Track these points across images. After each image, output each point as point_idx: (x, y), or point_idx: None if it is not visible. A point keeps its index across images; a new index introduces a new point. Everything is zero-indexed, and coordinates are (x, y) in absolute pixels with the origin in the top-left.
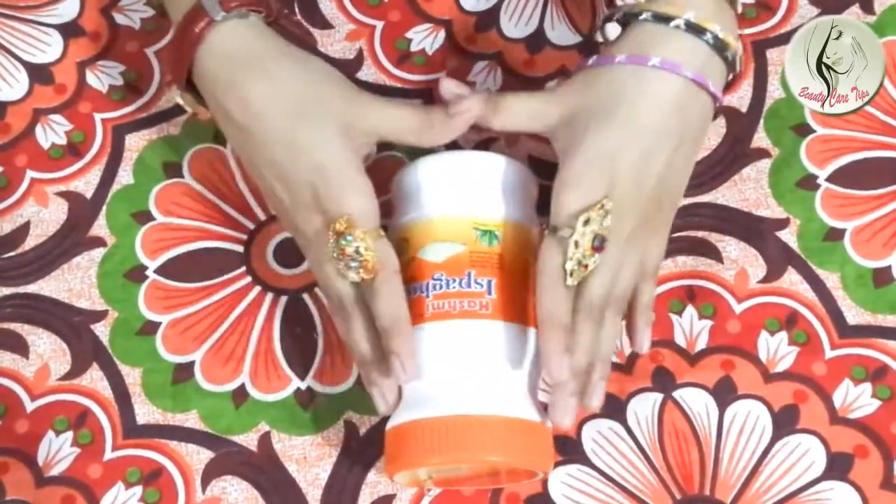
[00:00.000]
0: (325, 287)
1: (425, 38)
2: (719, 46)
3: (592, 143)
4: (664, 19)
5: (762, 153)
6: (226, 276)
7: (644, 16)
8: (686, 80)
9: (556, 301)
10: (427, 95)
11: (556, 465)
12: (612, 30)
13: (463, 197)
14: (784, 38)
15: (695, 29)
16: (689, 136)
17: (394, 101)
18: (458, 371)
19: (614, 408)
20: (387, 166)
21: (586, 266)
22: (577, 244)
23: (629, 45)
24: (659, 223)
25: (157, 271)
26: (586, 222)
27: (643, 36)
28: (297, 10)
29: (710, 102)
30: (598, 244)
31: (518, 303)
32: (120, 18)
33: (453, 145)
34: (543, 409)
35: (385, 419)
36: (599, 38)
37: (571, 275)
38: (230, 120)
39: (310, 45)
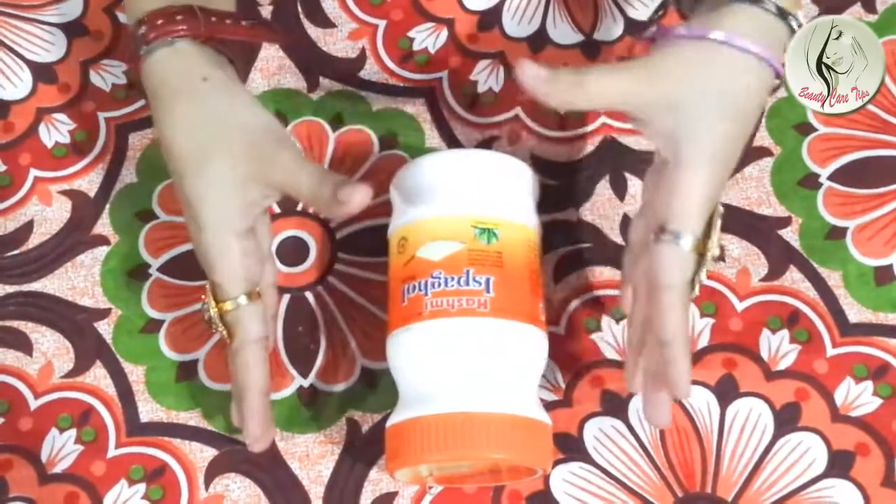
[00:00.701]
0: None
1: (428, 37)
2: (792, 31)
3: (712, 139)
4: (785, 15)
5: (764, 152)
6: None
7: (767, 4)
8: (771, 71)
9: (685, 319)
10: (429, 95)
11: (559, 462)
12: None
13: (462, 195)
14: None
15: (783, 14)
16: (757, 122)
17: (299, 159)
18: (456, 369)
19: (616, 406)
20: (387, 165)
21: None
22: (706, 259)
23: (754, 29)
24: None
25: (161, 270)
26: (713, 232)
27: (763, 24)
28: (299, 10)
29: (773, 85)
30: (717, 253)
31: (517, 301)
32: (123, 17)
33: (455, 144)
34: (543, 406)
35: (388, 417)
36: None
37: (695, 287)
38: (161, 143)
39: (259, 40)
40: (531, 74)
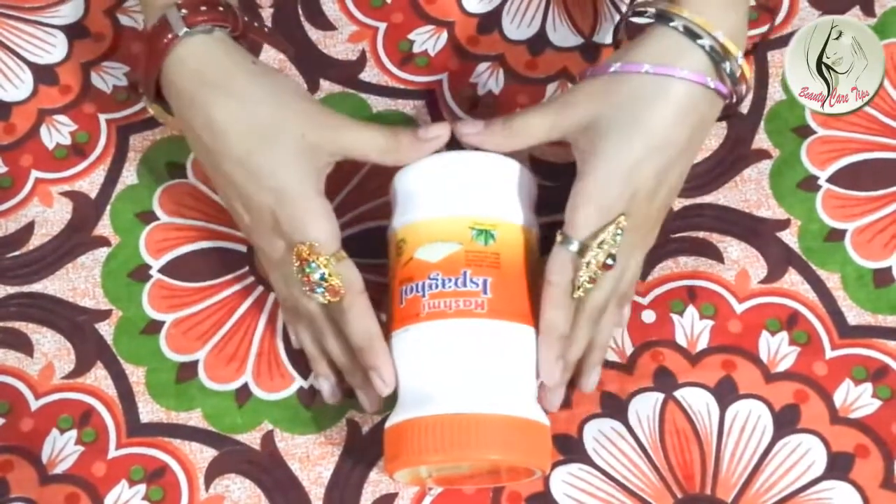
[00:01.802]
0: (294, 305)
1: (428, 40)
2: (734, 76)
3: (615, 154)
4: (693, 35)
5: (763, 154)
6: (229, 276)
7: (675, 23)
8: (708, 90)
9: (560, 313)
10: (429, 97)
11: (558, 464)
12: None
13: (459, 197)
14: (785, 41)
15: (717, 54)
16: (699, 143)
17: (359, 122)
18: (454, 370)
19: (615, 407)
20: (387, 168)
21: (595, 281)
22: (588, 265)
23: (653, 53)
24: (657, 228)
25: (161, 271)
26: (601, 244)
27: (668, 44)
28: (300, 12)
29: (721, 105)
30: (610, 262)
31: (515, 302)
32: (125, 20)
33: (455, 145)
34: (542, 407)
35: (388, 418)
36: (610, 40)
37: (579, 289)
38: (194, 134)
39: (274, 46)
40: (466, 132)
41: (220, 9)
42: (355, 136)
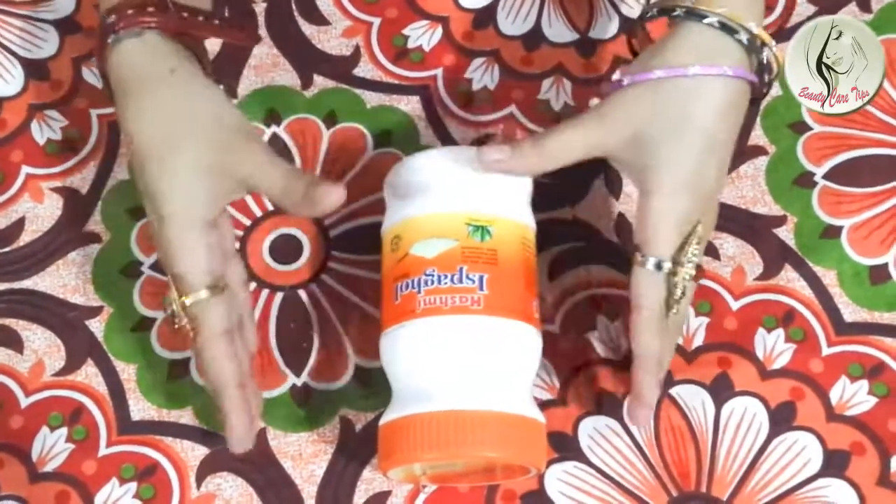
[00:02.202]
0: None
1: (422, 35)
2: (767, 66)
3: (678, 165)
4: (730, 30)
5: (759, 150)
6: None
7: (710, 20)
8: (745, 83)
9: (655, 338)
10: (424, 92)
11: (553, 461)
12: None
13: (456, 193)
14: (782, 36)
15: (753, 46)
16: (733, 134)
17: (269, 155)
18: (449, 367)
19: (611, 405)
20: (381, 163)
21: (685, 294)
22: (682, 280)
23: (697, 52)
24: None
25: (152, 267)
26: (690, 257)
27: (705, 41)
28: (293, 7)
29: (749, 94)
30: (698, 273)
31: (511, 298)
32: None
33: (449, 142)
34: (537, 405)
35: (382, 416)
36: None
37: (675, 307)
38: (124, 138)
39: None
40: (492, 158)
41: (150, 9)
42: (255, 170)
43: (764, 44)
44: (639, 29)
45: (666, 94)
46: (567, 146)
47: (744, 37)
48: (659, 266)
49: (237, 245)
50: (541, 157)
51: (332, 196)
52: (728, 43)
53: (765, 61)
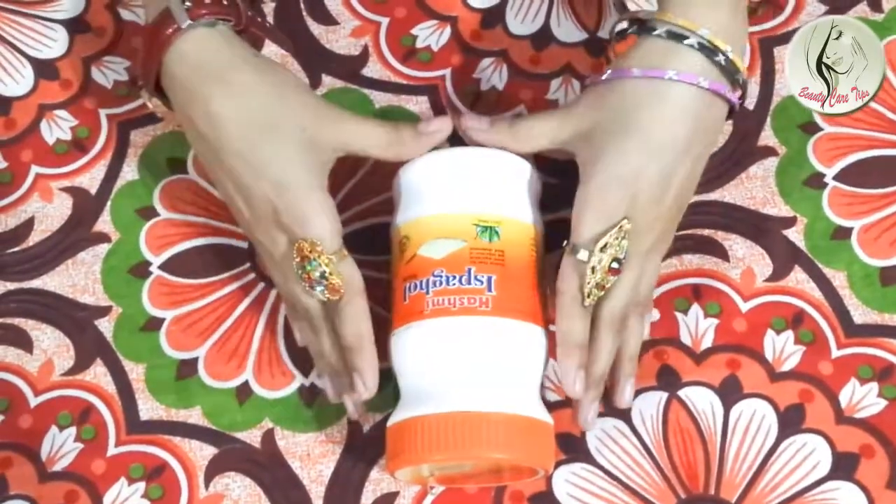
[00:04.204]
0: (293, 301)
1: (431, 35)
2: (729, 69)
3: (612, 160)
4: (678, 37)
5: (769, 151)
6: (230, 273)
7: (658, 31)
8: (702, 91)
9: (574, 322)
10: (433, 92)
11: (561, 463)
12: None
13: (464, 193)
14: (791, 36)
15: (708, 49)
16: (704, 144)
17: (360, 116)
18: (458, 368)
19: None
20: (390, 164)
21: (604, 287)
22: (593, 270)
23: (642, 58)
24: (671, 230)
25: (162, 267)
26: (604, 248)
27: (656, 49)
28: (302, 7)
29: (725, 108)
30: (616, 266)
31: (519, 299)
32: (126, 14)
33: (458, 142)
34: (545, 406)
35: (389, 416)
36: (610, 53)
37: (589, 296)
38: (194, 128)
39: (277, 43)
40: (470, 125)
41: (224, 2)
42: (355, 130)
43: (716, 48)
44: (612, 46)
45: (611, 95)
46: (535, 133)
47: (693, 42)
48: (578, 253)
49: (245, 246)
50: (513, 138)
51: (438, 124)
52: (677, 49)
53: (723, 65)
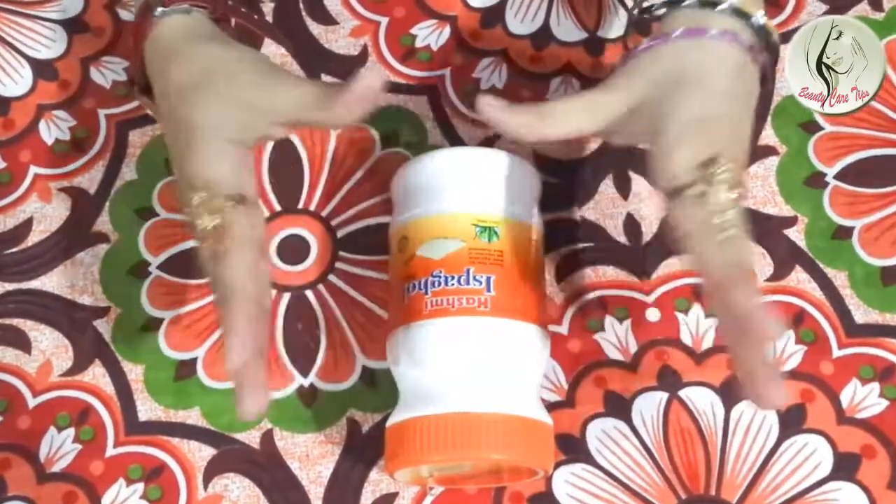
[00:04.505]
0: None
1: (430, 34)
2: (764, 32)
3: (680, 111)
4: (710, 4)
5: (770, 150)
6: None
7: (688, 2)
8: (741, 50)
9: (718, 252)
10: (432, 92)
11: (561, 464)
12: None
13: (463, 193)
14: (792, 35)
15: (740, 12)
16: (749, 103)
17: (301, 80)
18: (457, 368)
19: (619, 407)
20: (389, 163)
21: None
22: (716, 195)
23: (678, 25)
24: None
25: (161, 267)
26: (720, 171)
27: (690, 16)
28: (301, 7)
29: (757, 75)
30: (738, 194)
31: (518, 300)
32: (125, 14)
33: (457, 142)
34: (545, 406)
35: (389, 417)
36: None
37: (718, 227)
38: (161, 106)
39: (266, 36)
40: (488, 102)
41: None
42: (286, 93)
43: (770, 32)
44: (630, 33)
45: (668, 58)
46: (571, 114)
47: (726, 7)
48: (680, 190)
49: None
50: (540, 119)
51: (369, 75)
52: (711, 15)
53: (756, 26)
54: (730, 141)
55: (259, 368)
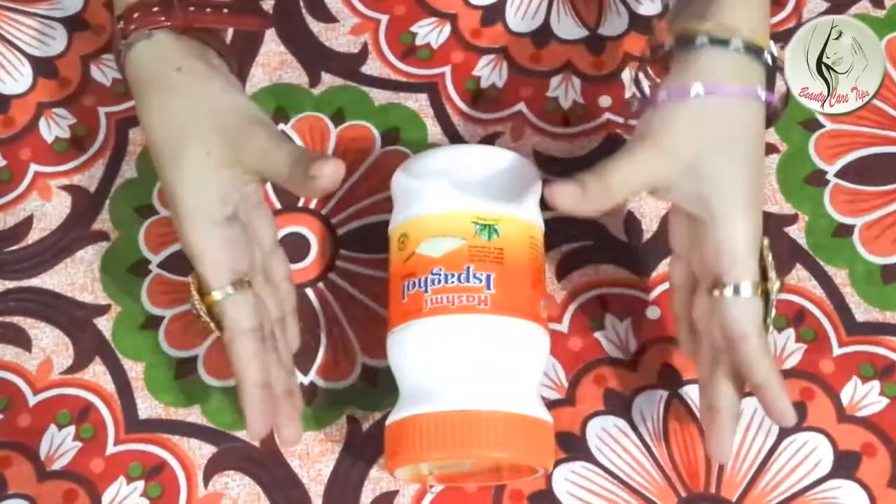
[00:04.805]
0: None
1: (430, 32)
2: (776, 65)
3: (737, 185)
4: (722, 42)
5: (770, 148)
6: None
7: (733, 45)
8: (757, 103)
9: (770, 358)
10: (432, 90)
11: (561, 462)
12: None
13: (462, 191)
14: (793, 33)
15: (752, 50)
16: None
17: (276, 141)
18: (457, 366)
19: (619, 405)
20: (389, 161)
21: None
22: (773, 298)
23: (727, 72)
24: None
25: (161, 265)
26: (774, 273)
27: (737, 63)
28: (301, 5)
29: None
30: (781, 286)
31: (518, 297)
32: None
33: (457, 139)
34: (545, 404)
35: (389, 415)
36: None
37: (769, 326)
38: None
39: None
40: (566, 194)
41: (155, 9)
42: (260, 158)
43: (781, 61)
44: (643, 76)
45: (712, 116)
46: (623, 177)
47: (768, 58)
48: (747, 289)
49: None
50: (607, 195)
51: (328, 167)
52: (755, 66)
53: (770, 63)
54: (760, 212)
55: (289, 404)
